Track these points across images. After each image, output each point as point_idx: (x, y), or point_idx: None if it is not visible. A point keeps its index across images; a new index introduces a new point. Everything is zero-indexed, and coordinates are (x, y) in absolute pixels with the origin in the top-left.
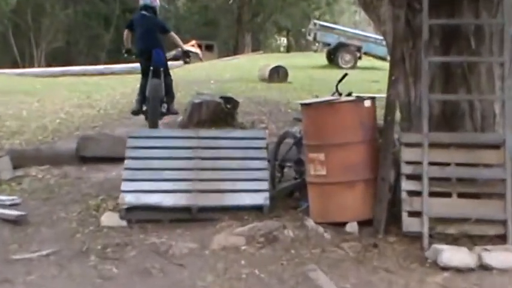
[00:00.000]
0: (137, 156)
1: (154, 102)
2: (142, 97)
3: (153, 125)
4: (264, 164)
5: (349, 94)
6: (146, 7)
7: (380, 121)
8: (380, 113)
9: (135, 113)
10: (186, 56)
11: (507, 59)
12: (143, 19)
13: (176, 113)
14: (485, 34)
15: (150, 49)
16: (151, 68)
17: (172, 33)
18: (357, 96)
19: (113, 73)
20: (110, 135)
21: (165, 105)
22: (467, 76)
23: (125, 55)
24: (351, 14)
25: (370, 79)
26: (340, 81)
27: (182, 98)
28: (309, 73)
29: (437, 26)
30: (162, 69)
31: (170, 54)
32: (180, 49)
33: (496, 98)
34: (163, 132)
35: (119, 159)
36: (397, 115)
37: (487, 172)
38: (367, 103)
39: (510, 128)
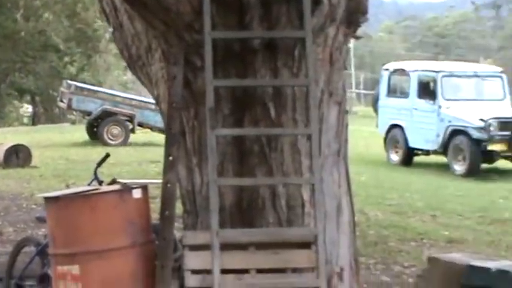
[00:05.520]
0: None
1: None
2: None
3: None
4: None
5: (113, 182)
6: None
7: (156, 217)
8: (157, 205)
9: None
10: None
11: (315, 130)
12: None
13: None
14: (287, 98)
15: None
16: None
17: None
18: (123, 184)
19: None
20: None
21: None
22: (266, 154)
23: None
24: (120, 71)
25: (148, 159)
26: (99, 164)
27: None
28: (62, 153)
29: (226, 89)
30: None
31: None
32: None
33: (304, 181)
34: None
35: None
36: (179, 208)
37: (297, 279)
38: (137, 193)
39: (322, 220)
